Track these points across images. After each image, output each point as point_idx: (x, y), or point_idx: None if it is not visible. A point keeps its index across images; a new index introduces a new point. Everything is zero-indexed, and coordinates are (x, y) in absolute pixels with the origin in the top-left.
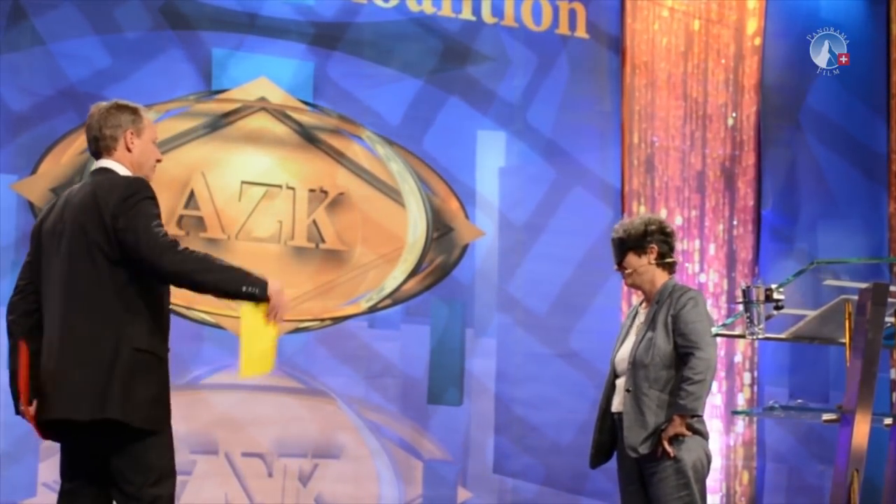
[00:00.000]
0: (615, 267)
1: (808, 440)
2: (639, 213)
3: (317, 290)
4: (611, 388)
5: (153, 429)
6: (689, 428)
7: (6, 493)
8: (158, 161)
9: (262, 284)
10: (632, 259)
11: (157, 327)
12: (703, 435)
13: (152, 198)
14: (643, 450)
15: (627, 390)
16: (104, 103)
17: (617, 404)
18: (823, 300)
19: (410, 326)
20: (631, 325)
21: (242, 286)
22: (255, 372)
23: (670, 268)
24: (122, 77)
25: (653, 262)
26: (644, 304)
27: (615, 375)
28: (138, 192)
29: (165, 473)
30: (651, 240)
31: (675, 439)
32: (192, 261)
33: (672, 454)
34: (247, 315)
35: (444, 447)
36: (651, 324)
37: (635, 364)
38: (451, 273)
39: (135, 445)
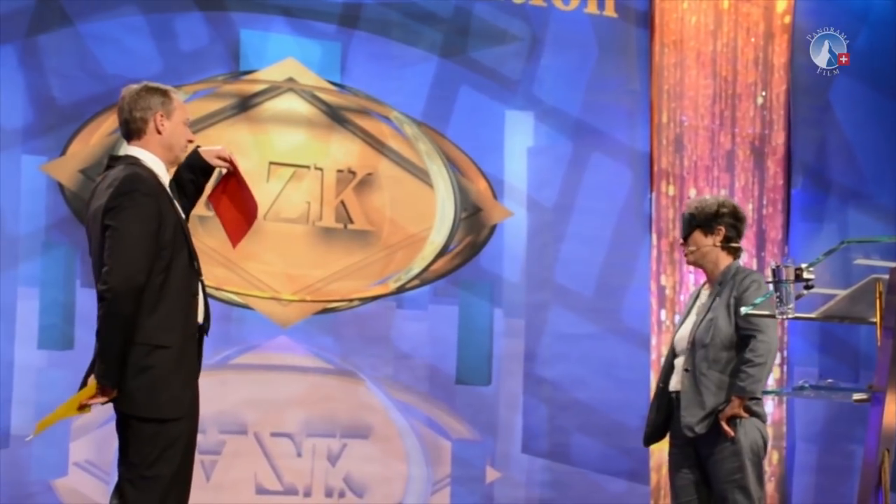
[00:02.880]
0: (680, 242)
1: (837, 420)
2: (667, 192)
3: (345, 270)
4: (669, 368)
5: (166, 417)
6: (747, 410)
7: (38, 472)
8: (190, 142)
9: (113, 382)
10: (698, 237)
11: (167, 318)
12: (761, 417)
13: (132, 208)
14: (700, 429)
15: (686, 370)
16: (134, 86)
17: (675, 383)
18: (854, 279)
19: (439, 307)
20: (693, 306)
21: (113, 360)
22: (42, 427)
23: (735, 252)
24: (151, 58)
25: (718, 244)
26: (706, 286)
27: (674, 355)
28: (123, 196)
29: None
30: (721, 221)
31: (733, 420)
32: (121, 316)
33: (731, 434)
34: (85, 392)
35: (473, 427)
36: (713, 305)
37: (695, 344)
38: (479, 253)
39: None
